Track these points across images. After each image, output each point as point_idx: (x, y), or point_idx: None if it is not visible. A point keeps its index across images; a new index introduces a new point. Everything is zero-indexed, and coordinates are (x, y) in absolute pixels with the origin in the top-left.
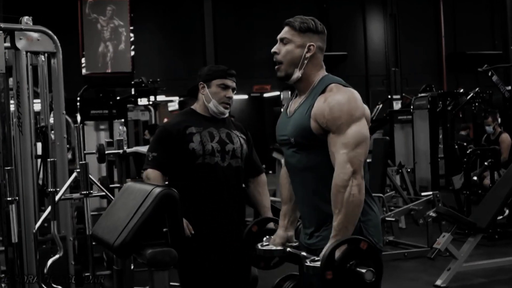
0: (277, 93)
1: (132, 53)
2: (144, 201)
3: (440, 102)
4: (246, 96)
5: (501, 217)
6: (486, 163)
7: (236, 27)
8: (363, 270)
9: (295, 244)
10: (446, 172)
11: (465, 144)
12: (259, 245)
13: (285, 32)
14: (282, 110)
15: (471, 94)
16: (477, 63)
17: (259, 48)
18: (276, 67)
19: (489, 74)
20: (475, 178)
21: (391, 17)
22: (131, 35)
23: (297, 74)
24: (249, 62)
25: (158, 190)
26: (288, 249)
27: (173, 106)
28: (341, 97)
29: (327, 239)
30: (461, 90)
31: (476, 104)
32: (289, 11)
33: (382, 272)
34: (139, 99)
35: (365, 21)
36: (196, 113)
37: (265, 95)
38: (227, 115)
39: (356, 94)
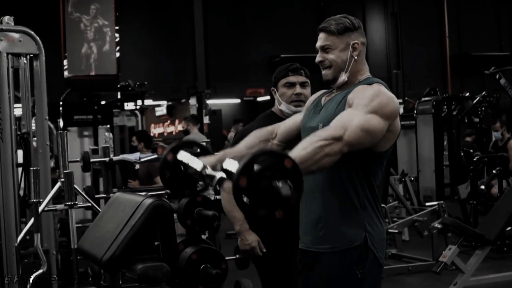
0: None
1: (117, 54)
2: (134, 213)
3: (445, 107)
4: (238, 100)
5: (510, 228)
6: (494, 171)
7: (228, 26)
8: (280, 184)
9: None
10: (452, 181)
11: (471, 151)
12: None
13: (323, 39)
14: (312, 103)
15: (478, 98)
16: (483, 65)
17: (253, 49)
18: (323, 71)
19: (497, 77)
20: (482, 187)
21: (393, 16)
22: (116, 35)
23: (343, 77)
24: (242, 64)
25: (149, 201)
26: (207, 170)
27: (161, 111)
28: (381, 90)
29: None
30: (467, 94)
31: (483, 108)
32: (285, 10)
33: (301, 191)
34: (125, 104)
35: (365, 20)
36: (276, 116)
37: (259, 99)
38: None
39: (396, 100)
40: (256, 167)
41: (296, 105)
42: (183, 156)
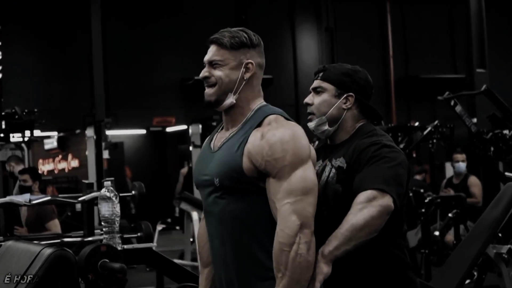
0: (184, 127)
1: None
2: (31, 265)
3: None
4: (144, 131)
5: (469, 281)
6: (449, 215)
7: (132, 44)
8: None
9: None
10: None
11: (422, 190)
12: None
13: (213, 52)
14: (204, 144)
15: (429, 128)
16: (434, 89)
17: (161, 71)
18: (206, 90)
19: (452, 103)
20: (436, 233)
21: (327, 32)
22: None
23: (231, 100)
24: (149, 88)
25: (49, 250)
26: None
27: (51, 143)
28: (283, 133)
29: None
30: (416, 124)
31: (435, 141)
32: (200, 25)
33: None
34: (11, 135)
35: (295, 37)
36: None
37: (168, 129)
38: (324, 129)
39: (300, 130)
40: None
41: (308, 120)
42: None
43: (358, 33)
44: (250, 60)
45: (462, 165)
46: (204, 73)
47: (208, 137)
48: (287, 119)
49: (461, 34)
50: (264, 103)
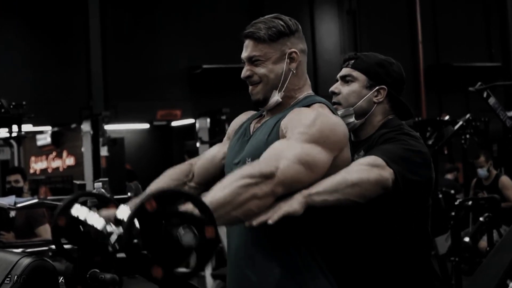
0: (191, 120)
1: None
2: (7, 277)
3: (418, 134)
4: (147, 125)
5: None
6: (481, 219)
7: (134, 28)
8: (182, 232)
9: None
10: None
11: (452, 192)
12: None
13: (251, 48)
14: (237, 128)
15: (460, 122)
16: (466, 79)
17: (166, 59)
18: (250, 89)
19: (484, 95)
20: (467, 239)
21: (350, 15)
22: None
23: (276, 98)
24: (152, 78)
25: (27, 260)
26: (109, 227)
27: (44, 139)
28: (324, 115)
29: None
30: (447, 117)
31: (468, 136)
32: (210, 8)
33: (212, 242)
34: None
35: (314, 20)
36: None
37: (174, 123)
38: (350, 121)
39: (343, 126)
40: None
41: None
42: (80, 212)
43: (383, 17)
44: (293, 49)
45: (481, 171)
46: (245, 72)
47: (242, 126)
48: (334, 112)
49: (497, 17)
50: (313, 93)
